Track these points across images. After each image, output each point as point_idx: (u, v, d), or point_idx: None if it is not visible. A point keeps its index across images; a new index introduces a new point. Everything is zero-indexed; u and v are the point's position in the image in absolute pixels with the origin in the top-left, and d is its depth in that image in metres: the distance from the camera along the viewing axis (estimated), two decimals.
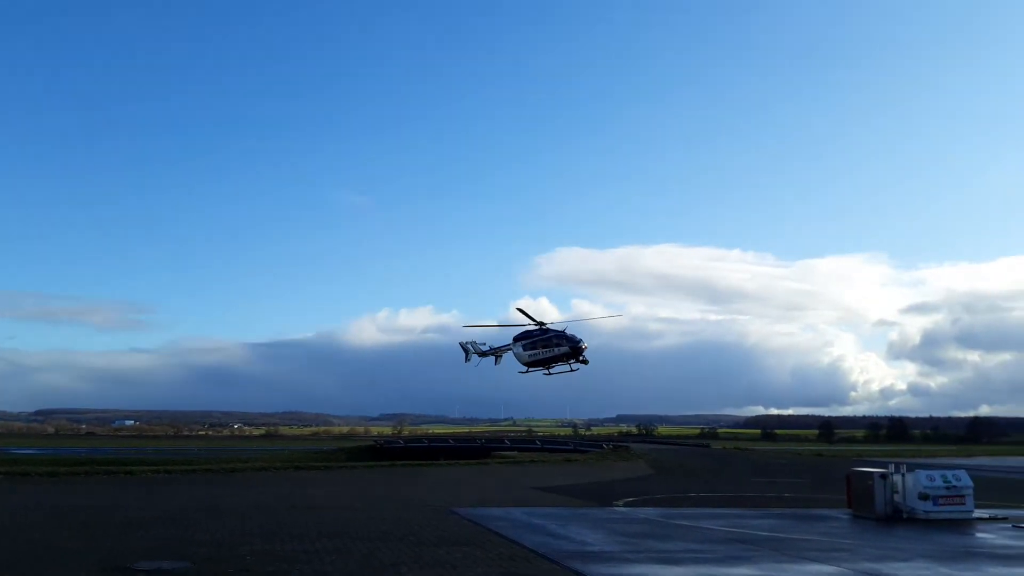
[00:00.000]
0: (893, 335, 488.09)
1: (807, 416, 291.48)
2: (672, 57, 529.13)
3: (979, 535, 22.93)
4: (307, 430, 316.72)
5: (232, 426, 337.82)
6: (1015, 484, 47.64)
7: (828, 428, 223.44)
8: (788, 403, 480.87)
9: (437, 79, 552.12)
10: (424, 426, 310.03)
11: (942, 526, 24.48)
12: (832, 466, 59.33)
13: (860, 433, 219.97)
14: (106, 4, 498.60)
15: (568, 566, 16.11)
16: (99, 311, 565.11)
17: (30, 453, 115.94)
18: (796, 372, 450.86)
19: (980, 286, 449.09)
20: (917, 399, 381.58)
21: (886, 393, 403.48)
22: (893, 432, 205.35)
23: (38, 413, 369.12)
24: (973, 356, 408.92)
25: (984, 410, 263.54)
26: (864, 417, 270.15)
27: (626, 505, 30.79)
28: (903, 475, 26.63)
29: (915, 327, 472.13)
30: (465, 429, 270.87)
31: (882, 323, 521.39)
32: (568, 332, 54.66)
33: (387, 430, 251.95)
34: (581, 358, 54.42)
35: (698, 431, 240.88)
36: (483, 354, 60.19)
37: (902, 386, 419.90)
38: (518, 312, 55.47)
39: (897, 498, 26.35)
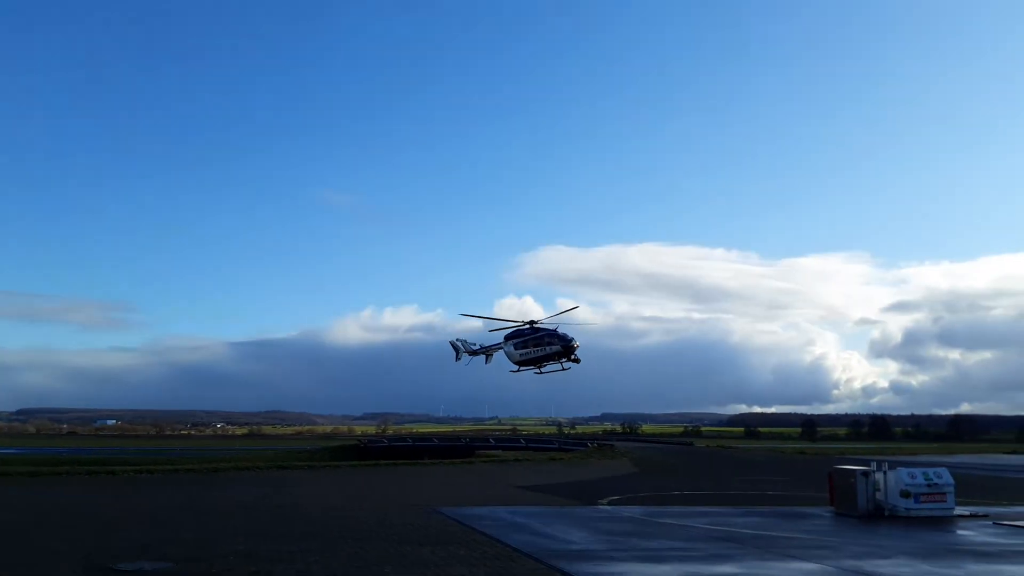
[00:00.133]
0: (875, 333, 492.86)
1: (790, 414, 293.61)
2: (658, 59, 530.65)
3: (960, 532, 23.09)
4: (290, 429, 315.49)
5: (215, 425, 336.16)
6: (995, 482, 48.06)
7: (811, 426, 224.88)
8: (771, 401, 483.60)
9: (422, 79, 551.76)
10: (408, 425, 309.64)
11: (924, 523, 24.64)
12: (815, 464, 59.63)
13: (842, 431, 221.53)
14: (88, 5, 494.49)
15: (553, 565, 16.10)
16: (81, 310, 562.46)
17: (11, 453, 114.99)
18: (779, 370, 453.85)
19: (961, 285, 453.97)
20: (899, 397, 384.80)
21: (868, 391, 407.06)
22: (875, 430, 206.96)
23: (19, 412, 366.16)
24: (954, 354, 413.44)
25: (965, 408, 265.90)
26: (846, 415, 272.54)
27: (610, 503, 30.83)
28: (885, 473, 26.79)
29: (897, 326, 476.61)
30: (450, 428, 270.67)
31: (864, 322, 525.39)
32: (560, 331, 54.56)
33: (371, 429, 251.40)
34: (573, 357, 54.31)
35: (682, 429, 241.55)
36: (474, 352, 59.90)
37: (884, 384, 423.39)
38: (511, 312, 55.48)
39: (879, 496, 26.50)
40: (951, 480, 26.95)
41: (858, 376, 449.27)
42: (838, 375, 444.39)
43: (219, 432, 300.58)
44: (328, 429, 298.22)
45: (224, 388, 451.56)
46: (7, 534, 20.00)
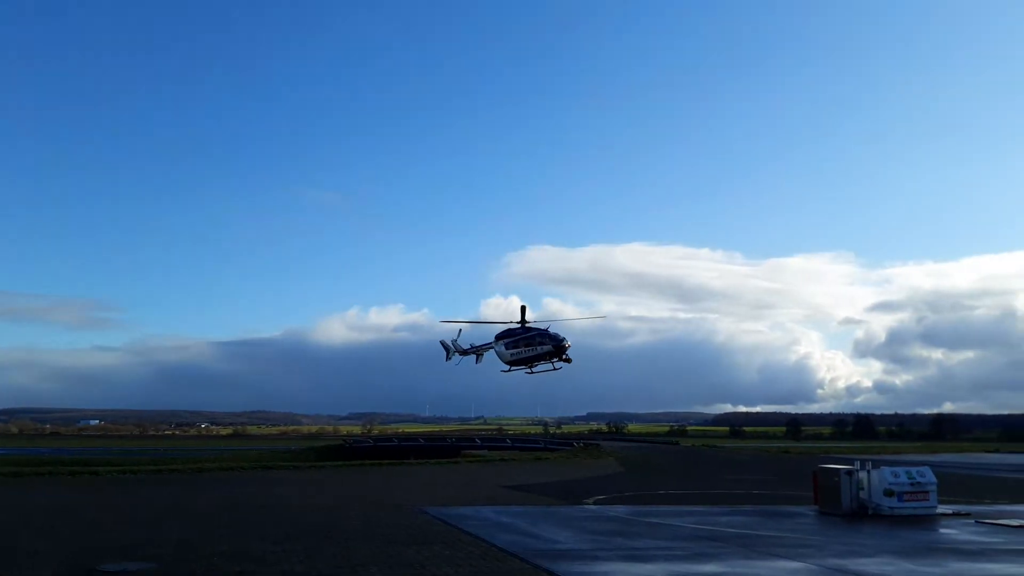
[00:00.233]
0: (859, 333, 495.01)
1: (775, 413, 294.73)
2: (641, 60, 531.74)
3: (943, 531, 23.26)
4: (275, 429, 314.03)
5: (199, 425, 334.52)
6: (978, 480, 48.42)
7: (795, 425, 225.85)
8: (756, 401, 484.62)
9: (407, 78, 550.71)
10: (394, 425, 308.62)
11: (907, 522, 24.79)
12: (799, 463, 59.87)
13: (827, 430, 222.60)
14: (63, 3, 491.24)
15: (538, 564, 16.12)
16: (64, 309, 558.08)
17: None
18: (764, 370, 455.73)
19: (944, 285, 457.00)
20: (882, 396, 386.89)
21: (852, 390, 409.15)
22: (859, 429, 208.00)
23: (2, 412, 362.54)
24: (937, 354, 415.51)
25: (948, 407, 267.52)
26: (831, 414, 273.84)
27: (596, 503, 30.86)
28: (868, 472, 26.93)
29: (881, 325, 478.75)
30: (435, 428, 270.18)
31: (848, 321, 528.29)
32: (551, 331, 54.41)
33: (356, 429, 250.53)
34: (564, 357, 54.18)
35: (668, 429, 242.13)
36: (464, 352, 59.74)
37: (868, 383, 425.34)
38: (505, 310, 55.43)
39: (863, 495, 26.63)
40: (934, 479, 27.15)
41: (842, 375, 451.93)
42: (823, 374, 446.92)
43: (203, 432, 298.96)
44: (313, 429, 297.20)
45: (208, 388, 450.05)
46: None
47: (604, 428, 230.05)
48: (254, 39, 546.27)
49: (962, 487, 39.34)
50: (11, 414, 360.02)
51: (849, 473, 26.97)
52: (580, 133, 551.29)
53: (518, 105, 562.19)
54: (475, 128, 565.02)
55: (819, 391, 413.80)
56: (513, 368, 55.98)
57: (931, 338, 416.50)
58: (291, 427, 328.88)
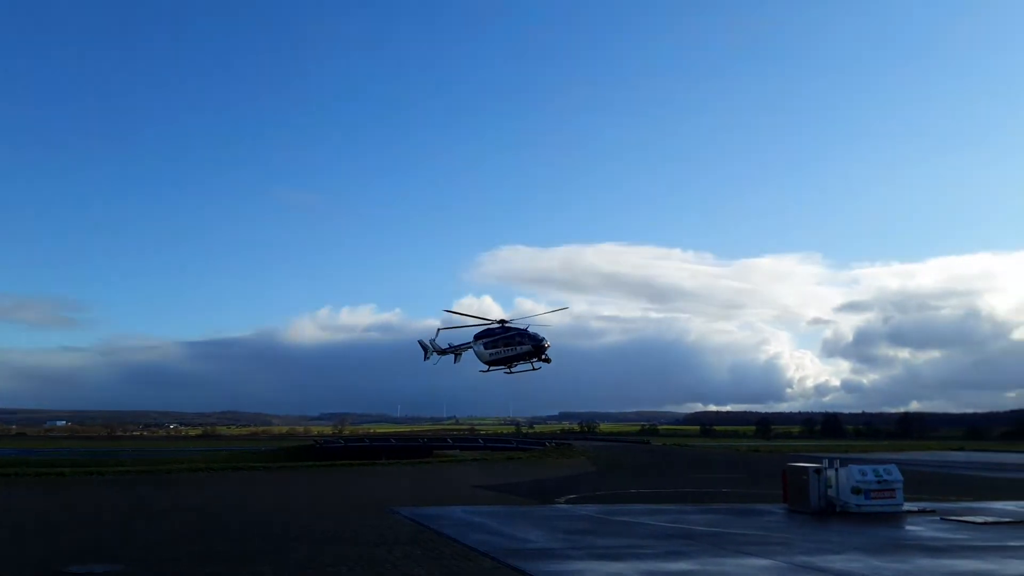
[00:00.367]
0: (827, 333, 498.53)
1: (745, 412, 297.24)
2: (615, 61, 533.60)
3: (909, 527, 23.55)
4: (245, 430, 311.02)
5: (168, 426, 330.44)
6: (943, 478, 49.09)
7: (765, 424, 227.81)
8: (726, 400, 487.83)
9: (381, 78, 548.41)
10: (366, 425, 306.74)
11: (874, 519, 25.08)
12: (769, 462, 60.41)
13: (796, 429, 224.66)
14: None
15: (509, 563, 16.11)
16: (29, 308, 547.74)
17: None
18: (734, 369, 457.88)
19: (911, 285, 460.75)
20: (850, 395, 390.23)
21: (821, 390, 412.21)
22: (827, 428, 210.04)
23: None
24: (904, 353, 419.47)
25: (914, 406, 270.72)
26: (800, 413, 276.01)
27: (567, 502, 30.93)
28: (836, 470, 27.22)
29: (848, 325, 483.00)
30: (407, 428, 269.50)
31: (817, 321, 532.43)
32: (531, 330, 54.19)
33: (328, 430, 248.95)
34: (544, 357, 53.98)
35: (639, 428, 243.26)
36: (443, 352, 59.34)
37: (836, 383, 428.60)
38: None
39: (831, 492, 26.92)
40: (900, 477, 27.49)
41: (811, 375, 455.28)
42: (792, 374, 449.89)
43: (172, 433, 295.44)
44: (284, 430, 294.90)
45: (177, 388, 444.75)
46: None
47: (576, 428, 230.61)
48: (228, 39, 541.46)
49: (928, 485, 39.88)
50: None
51: (817, 471, 27.24)
52: (552, 133, 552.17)
53: (491, 105, 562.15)
54: (447, 128, 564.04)
55: (788, 390, 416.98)
56: (492, 368, 55.71)
57: (898, 338, 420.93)
58: (261, 428, 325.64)
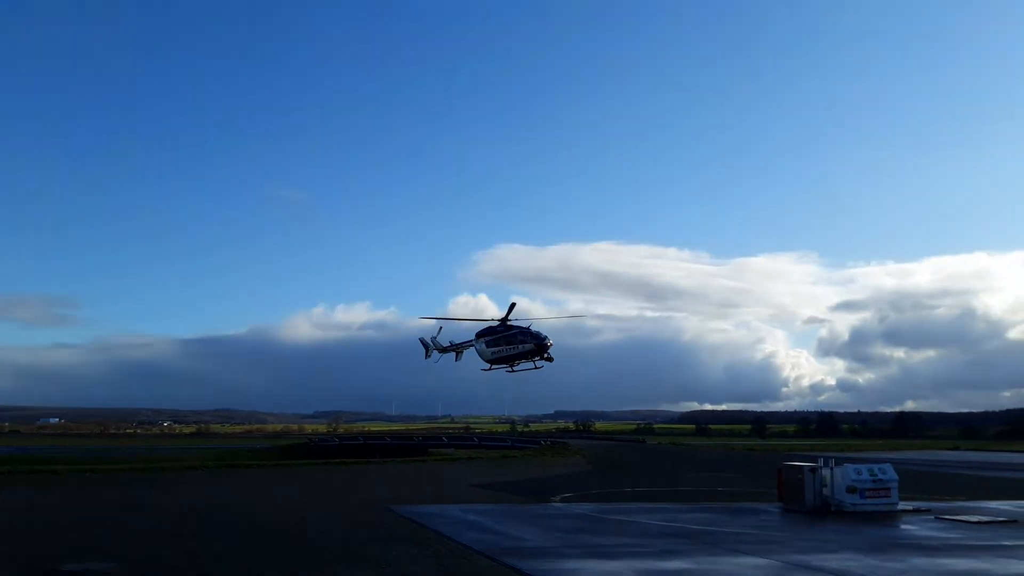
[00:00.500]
0: (823, 332, 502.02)
1: (740, 411, 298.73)
2: (611, 61, 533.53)
3: (904, 527, 23.56)
4: (239, 428, 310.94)
5: (161, 424, 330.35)
6: (938, 477, 49.14)
7: (760, 423, 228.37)
8: (722, 399, 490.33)
9: (375, 76, 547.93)
10: (361, 424, 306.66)
11: (869, 518, 25.08)
12: (764, 461, 60.47)
13: (791, 428, 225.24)
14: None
15: (504, 562, 16.07)
16: (23, 305, 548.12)
17: None
18: (730, 368, 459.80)
19: (906, 285, 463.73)
20: (846, 395, 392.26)
21: (816, 389, 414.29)
22: (822, 427, 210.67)
23: None
24: (899, 353, 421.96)
25: (909, 405, 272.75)
26: (795, 412, 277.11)
27: (563, 501, 30.90)
28: (831, 469, 27.24)
29: (844, 324, 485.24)
30: (402, 427, 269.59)
31: (812, 320, 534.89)
32: (533, 329, 53.95)
33: (322, 428, 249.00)
34: (546, 355, 53.73)
35: (634, 427, 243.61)
36: (444, 350, 59.11)
37: (831, 382, 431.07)
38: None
39: (826, 491, 26.94)
40: (895, 476, 27.52)
41: (807, 374, 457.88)
42: (787, 373, 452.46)
43: (166, 431, 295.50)
44: (278, 428, 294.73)
45: (171, 386, 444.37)
46: None
47: (571, 426, 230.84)
48: (221, 37, 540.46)
49: (923, 484, 39.91)
50: None
51: (813, 470, 27.26)
52: (549, 132, 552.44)
53: (486, 104, 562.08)
54: (443, 126, 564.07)
55: (784, 389, 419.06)
56: (494, 367, 55.44)
57: (893, 337, 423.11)
58: (256, 426, 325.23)
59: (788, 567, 16.06)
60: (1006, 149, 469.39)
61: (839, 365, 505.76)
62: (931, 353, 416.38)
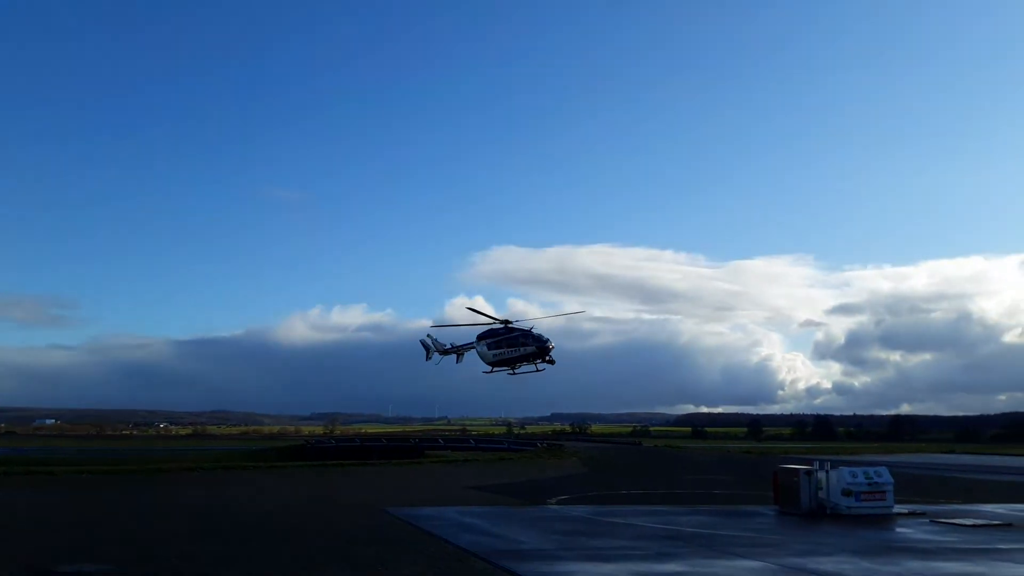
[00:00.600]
0: (819, 335, 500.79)
1: (736, 414, 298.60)
2: (608, 64, 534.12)
3: (899, 530, 23.63)
4: (236, 430, 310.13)
5: (158, 425, 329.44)
6: (933, 480, 49.24)
7: (756, 426, 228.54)
8: (718, 401, 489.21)
9: (372, 76, 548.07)
10: (357, 425, 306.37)
11: (864, 521, 25.15)
12: (760, 463, 60.48)
13: (787, 431, 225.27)
14: None
15: (501, 565, 16.10)
16: (18, 305, 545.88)
17: None
18: (726, 371, 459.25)
19: (902, 288, 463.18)
20: (841, 398, 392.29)
21: (812, 392, 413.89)
22: (818, 430, 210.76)
23: None
24: (895, 356, 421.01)
25: (905, 408, 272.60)
26: (791, 415, 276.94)
27: (559, 503, 30.93)
28: (827, 472, 27.28)
29: (840, 328, 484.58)
30: (399, 428, 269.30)
31: (808, 323, 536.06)
32: (535, 331, 53.86)
33: (319, 430, 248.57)
34: (548, 358, 53.62)
35: (631, 429, 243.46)
36: (445, 352, 58.97)
37: (827, 385, 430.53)
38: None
39: (821, 494, 26.98)
40: (891, 479, 27.57)
41: (802, 377, 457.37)
42: (783, 376, 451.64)
43: (162, 432, 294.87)
44: (275, 429, 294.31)
45: (168, 387, 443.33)
46: None
47: (568, 428, 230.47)
48: (217, 38, 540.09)
49: (918, 487, 40.01)
50: None
51: (808, 473, 27.30)
52: (546, 135, 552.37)
53: (484, 106, 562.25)
54: (441, 128, 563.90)
55: (780, 392, 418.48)
56: (496, 369, 55.28)
57: (889, 340, 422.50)
58: (252, 427, 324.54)
59: (784, 570, 16.12)
60: (1003, 153, 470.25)
61: (835, 368, 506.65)
62: (927, 356, 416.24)
